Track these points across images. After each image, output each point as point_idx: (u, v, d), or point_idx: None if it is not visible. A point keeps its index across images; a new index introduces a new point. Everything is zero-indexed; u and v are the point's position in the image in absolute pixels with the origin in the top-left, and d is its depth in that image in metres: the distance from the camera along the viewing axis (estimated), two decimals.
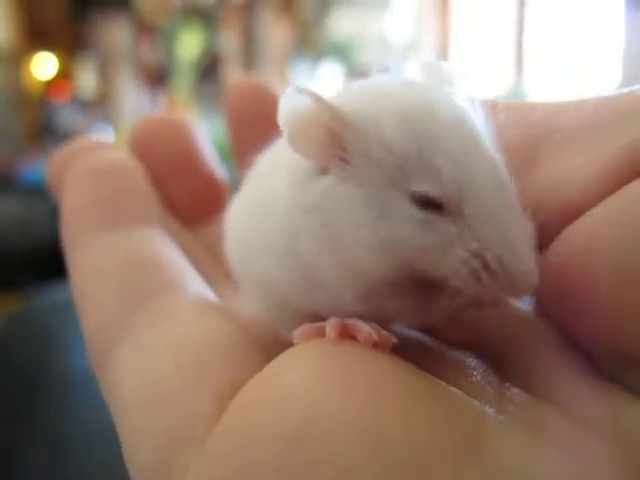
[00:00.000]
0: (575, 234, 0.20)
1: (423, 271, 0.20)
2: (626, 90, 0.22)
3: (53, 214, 0.33)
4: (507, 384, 0.20)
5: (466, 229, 0.19)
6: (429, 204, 0.19)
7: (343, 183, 0.20)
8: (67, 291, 0.28)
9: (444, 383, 0.19)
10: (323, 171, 0.21)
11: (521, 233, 0.20)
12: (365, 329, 0.20)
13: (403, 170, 0.20)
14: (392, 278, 0.20)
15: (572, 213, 0.20)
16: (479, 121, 0.21)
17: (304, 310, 0.23)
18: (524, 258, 0.20)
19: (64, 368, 0.60)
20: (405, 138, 0.20)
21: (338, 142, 0.20)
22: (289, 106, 0.20)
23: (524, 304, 0.24)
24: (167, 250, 0.27)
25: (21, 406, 0.59)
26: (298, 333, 0.21)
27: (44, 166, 0.34)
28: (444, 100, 0.21)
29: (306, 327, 0.21)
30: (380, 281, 0.20)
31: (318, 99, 0.20)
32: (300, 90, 0.20)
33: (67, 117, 2.87)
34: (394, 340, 0.20)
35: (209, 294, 0.26)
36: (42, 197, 1.81)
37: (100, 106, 2.99)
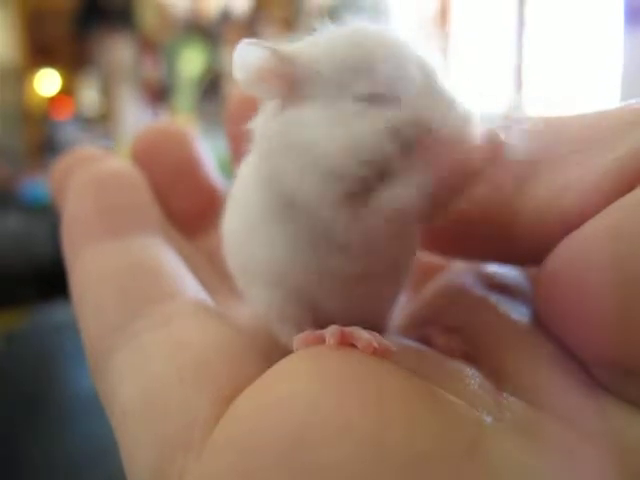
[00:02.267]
0: (573, 245, 0.20)
1: (378, 159, 0.21)
2: (624, 103, 0.22)
3: (54, 231, 0.33)
4: (504, 393, 0.20)
5: (400, 111, 0.21)
6: (372, 100, 0.21)
7: (300, 107, 0.22)
8: (67, 311, 0.27)
9: (442, 390, 0.19)
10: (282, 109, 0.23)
11: (450, 98, 0.22)
12: (365, 336, 0.20)
13: (345, 81, 0.22)
14: (361, 174, 0.21)
15: (571, 224, 0.20)
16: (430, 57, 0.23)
17: (305, 293, 0.23)
18: (454, 111, 0.21)
19: (63, 389, 0.59)
20: (345, 54, 0.22)
21: (288, 77, 0.22)
22: (241, 59, 0.22)
23: (522, 315, 0.24)
24: (167, 258, 0.27)
25: (19, 426, 0.59)
26: (298, 340, 0.21)
27: (46, 183, 0.34)
28: (389, 33, 0.23)
29: (306, 334, 0.21)
30: (353, 179, 0.21)
31: (264, 47, 0.22)
32: (248, 42, 0.22)
33: (69, 134, 2.88)
34: (393, 349, 0.20)
35: (208, 301, 0.26)
36: (43, 214, 1.81)
37: (102, 123, 3.00)
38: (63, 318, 0.64)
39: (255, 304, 0.26)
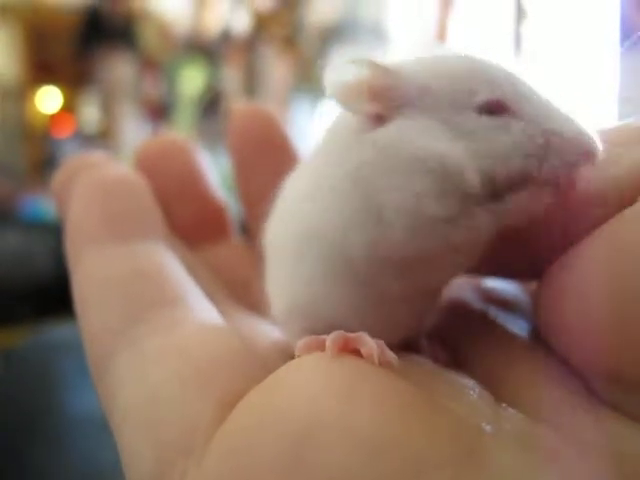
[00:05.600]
0: (576, 257, 0.20)
1: (505, 172, 0.21)
2: (624, 122, 0.23)
3: (54, 249, 0.33)
4: (503, 404, 0.20)
5: (529, 122, 0.21)
6: (493, 111, 0.21)
7: (412, 120, 0.22)
8: (67, 330, 0.27)
9: (442, 399, 0.19)
10: (377, 124, 0.22)
11: (569, 115, 0.22)
12: (370, 343, 0.20)
13: (460, 94, 0.22)
14: (481, 187, 0.21)
15: (572, 237, 0.20)
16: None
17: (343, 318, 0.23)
18: (581, 128, 0.22)
19: (62, 408, 0.59)
20: (454, 70, 0.22)
21: (392, 92, 0.22)
22: (337, 73, 0.22)
23: (522, 329, 0.24)
24: (170, 265, 0.27)
25: (17, 445, 0.58)
26: (300, 345, 0.22)
27: (46, 200, 0.34)
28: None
29: (308, 339, 0.22)
30: (476, 189, 0.21)
31: (365, 62, 0.22)
32: (344, 58, 0.22)
33: (70, 151, 2.89)
34: (396, 363, 0.20)
35: (211, 310, 0.26)
36: (44, 231, 1.81)
37: (103, 140, 3.01)
38: (63, 337, 0.63)
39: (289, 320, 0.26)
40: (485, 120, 0.21)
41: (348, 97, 0.22)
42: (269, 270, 0.27)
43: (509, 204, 0.21)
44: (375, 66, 0.22)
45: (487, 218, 0.21)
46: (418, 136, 0.21)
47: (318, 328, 0.23)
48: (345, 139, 0.23)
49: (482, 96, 0.21)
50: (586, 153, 0.21)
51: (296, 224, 0.24)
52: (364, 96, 0.22)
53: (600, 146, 0.21)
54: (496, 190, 0.21)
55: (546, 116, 0.22)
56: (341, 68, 0.22)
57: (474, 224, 0.21)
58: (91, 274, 0.26)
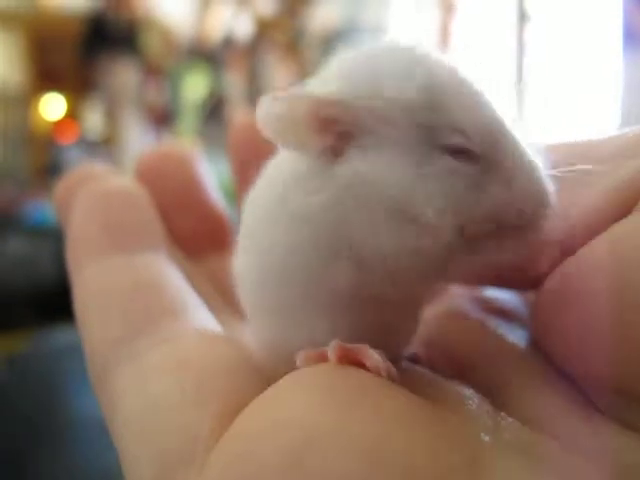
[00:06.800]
0: (571, 268, 0.20)
1: (473, 222, 0.20)
2: (626, 129, 0.22)
3: (58, 254, 0.33)
4: (502, 414, 0.20)
5: (496, 173, 0.20)
6: (457, 154, 0.20)
7: (372, 153, 0.20)
8: (70, 335, 0.27)
9: (441, 408, 0.19)
10: (330, 157, 0.21)
11: (539, 169, 0.21)
12: (374, 355, 0.20)
13: (426, 126, 0.20)
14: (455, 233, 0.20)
15: (572, 246, 0.20)
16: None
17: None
18: (540, 179, 0.21)
19: (65, 413, 0.59)
20: (417, 95, 0.20)
21: (333, 122, 0.20)
22: (273, 110, 0.20)
23: (520, 339, 0.24)
24: (171, 275, 0.27)
25: (21, 450, 0.58)
26: (301, 357, 0.21)
27: (50, 206, 0.34)
28: (430, 56, 0.22)
29: (309, 351, 0.21)
30: (448, 236, 0.20)
31: (293, 94, 0.20)
32: (274, 96, 0.20)
33: (73, 157, 2.90)
34: (396, 374, 0.20)
35: (211, 320, 0.26)
36: (47, 237, 1.82)
37: (106, 146, 3.02)
38: (66, 342, 0.63)
39: (262, 333, 0.25)
40: (449, 162, 0.20)
41: (288, 135, 0.21)
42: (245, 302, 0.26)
43: (478, 252, 0.21)
44: (311, 100, 0.20)
45: (457, 265, 0.21)
46: (382, 176, 0.20)
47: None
48: (300, 178, 0.22)
49: (447, 138, 0.20)
50: (543, 206, 0.21)
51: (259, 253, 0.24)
52: (305, 132, 0.20)
53: (553, 197, 0.21)
54: (465, 236, 0.21)
55: (509, 167, 0.21)
56: (275, 107, 0.20)
57: (443, 267, 0.21)
58: (92, 285, 0.26)
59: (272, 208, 0.23)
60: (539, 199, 0.21)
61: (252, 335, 0.26)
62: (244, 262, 0.25)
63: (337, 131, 0.21)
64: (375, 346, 0.21)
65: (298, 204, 0.21)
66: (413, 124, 0.20)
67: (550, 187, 0.21)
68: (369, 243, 0.20)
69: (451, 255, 0.20)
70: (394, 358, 0.22)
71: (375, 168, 0.20)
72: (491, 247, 0.21)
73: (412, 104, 0.20)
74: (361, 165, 0.20)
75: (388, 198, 0.20)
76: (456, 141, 0.20)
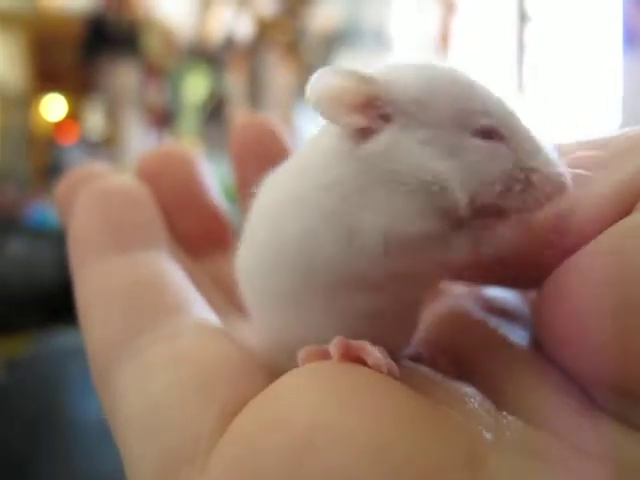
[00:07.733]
0: (572, 267, 0.20)
1: (487, 198, 0.21)
2: (627, 129, 0.22)
3: (59, 256, 0.33)
4: (504, 412, 0.20)
5: (517, 151, 0.22)
6: (486, 136, 0.21)
7: (404, 133, 0.21)
8: (71, 337, 0.27)
9: (443, 406, 0.19)
10: (362, 138, 0.21)
11: (548, 149, 0.22)
12: (375, 352, 0.20)
13: (460, 112, 0.22)
14: (469, 209, 0.21)
15: (573, 245, 0.20)
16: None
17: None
18: (557, 165, 0.22)
19: (67, 417, 0.59)
20: (453, 88, 0.22)
21: (376, 101, 0.21)
22: (319, 84, 0.21)
23: (522, 338, 0.24)
24: (173, 274, 0.27)
25: (22, 454, 0.58)
26: (303, 354, 0.22)
27: (51, 207, 0.34)
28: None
29: (311, 348, 0.22)
30: (463, 210, 0.21)
31: (345, 71, 0.21)
32: (326, 70, 0.21)
33: (74, 158, 2.90)
34: (397, 371, 0.20)
35: (213, 318, 0.26)
36: (48, 239, 1.81)
37: (107, 147, 3.03)
38: (67, 345, 0.63)
39: (265, 330, 0.26)
40: (479, 143, 0.21)
41: (331, 108, 0.21)
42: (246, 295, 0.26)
43: (483, 231, 0.22)
44: (360, 76, 0.21)
45: (461, 243, 0.22)
46: (413, 151, 0.21)
47: (295, 345, 0.23)
48: (326, 151, 0.22)
49: (480, 120, 0.22)
50: (559, 189, 0.22)
51: (270, 236, 0.24)
52: (347, 107, 0.21)
53: (570, 183, 0.22)
54: (474, 215, 0.21)
55: (530, 150, 0.22)
56: (325, 78, 0.21)
57: (448, 248, 0.21)
58: (93, 284, 0.26)
59: (287, 189, 0.23)
60: (558, 183, 0.22)
61: (254, 332, 0.26)
62: (249, 253, 0.25)
63: (376, 113, 0.21)
64: (376, 344, 0.21)
65: (317, 178, 0.22)
66: (450, 111, 0.22)
67: (569, 177, 0.22)
68: (379, 222, 0.21)
69: (457, 232, 0.21)
70: (395, 357, 0.22)
71: (402, 146, 0.21)
72: (493, 226, 0.22)
73: (452, 96, 0.22)
74: (389, 143, 0.21)
75: (411, 174, 0.21)
76: (487, 122, 0.22)
